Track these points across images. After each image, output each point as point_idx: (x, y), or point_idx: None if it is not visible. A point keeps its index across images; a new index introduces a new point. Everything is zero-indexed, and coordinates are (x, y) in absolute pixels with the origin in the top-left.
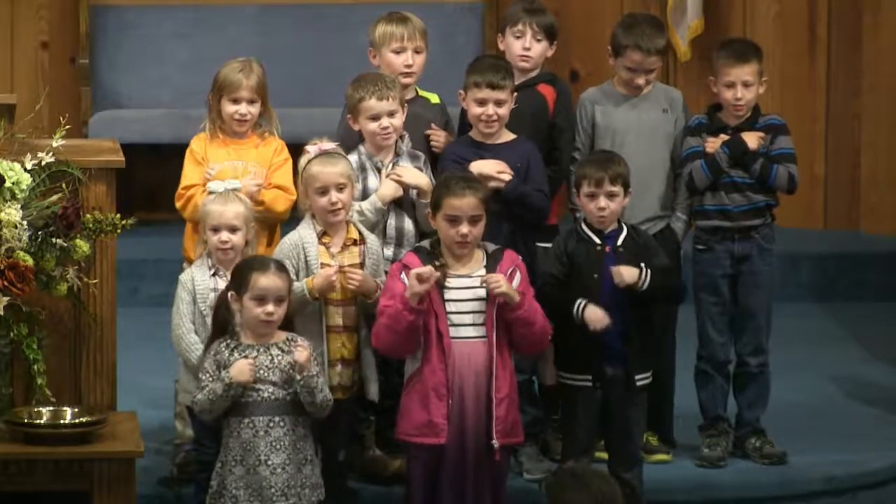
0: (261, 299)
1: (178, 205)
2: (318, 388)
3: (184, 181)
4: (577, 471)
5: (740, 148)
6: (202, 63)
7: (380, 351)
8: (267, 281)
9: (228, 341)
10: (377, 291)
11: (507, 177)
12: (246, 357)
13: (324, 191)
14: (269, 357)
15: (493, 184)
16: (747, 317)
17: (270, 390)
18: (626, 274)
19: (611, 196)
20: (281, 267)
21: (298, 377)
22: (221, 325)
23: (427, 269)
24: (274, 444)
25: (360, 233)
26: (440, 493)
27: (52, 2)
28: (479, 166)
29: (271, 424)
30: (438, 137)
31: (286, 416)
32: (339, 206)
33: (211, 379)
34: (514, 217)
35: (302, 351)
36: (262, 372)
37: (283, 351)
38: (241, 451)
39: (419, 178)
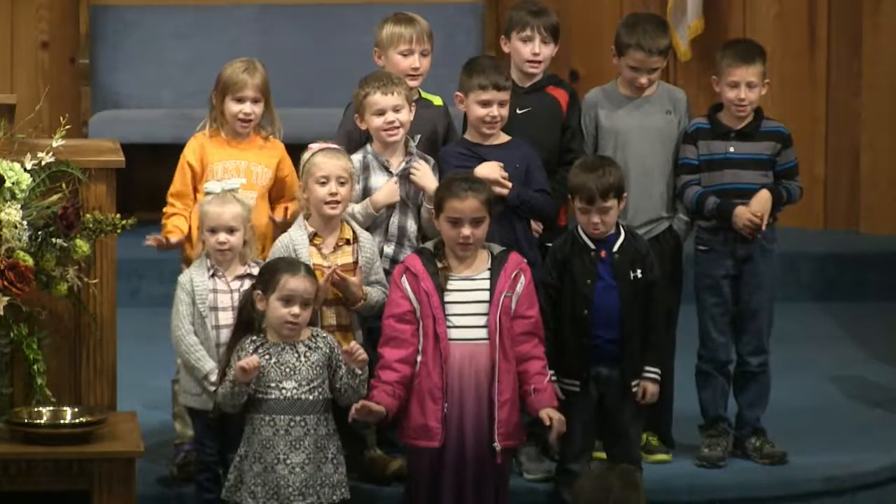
0: (288, 300)
1: (165, 213)
2: (365, 377)
3: (171, 191)
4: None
5: (726, 219)
6: (202, 63)
7: None
8: (296, 283)
9: (254, 338)
10: (361, 302)
11: (510, 183)
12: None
13: (325, 181)
14: (296, 355)
15: (497, 189)
16: (749, 317)
17: (294, 389)
18: None
19: (603, 211)
20: (310, 270)
21: (359, 371)
22: (245, 323)
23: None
24: (294, 443)
25: (353, 231)
26: (441, 495)
27: (52, 2)
28: (485, 170)
29: (292, 424)
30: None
31: (308, 415)
32: (338, 198)
33: (232, 373)
34: (521, 218)
35: (350, 352)
36: (285, 370)
37: (309, 348)
38: (261, 449)
39: (431, 182)
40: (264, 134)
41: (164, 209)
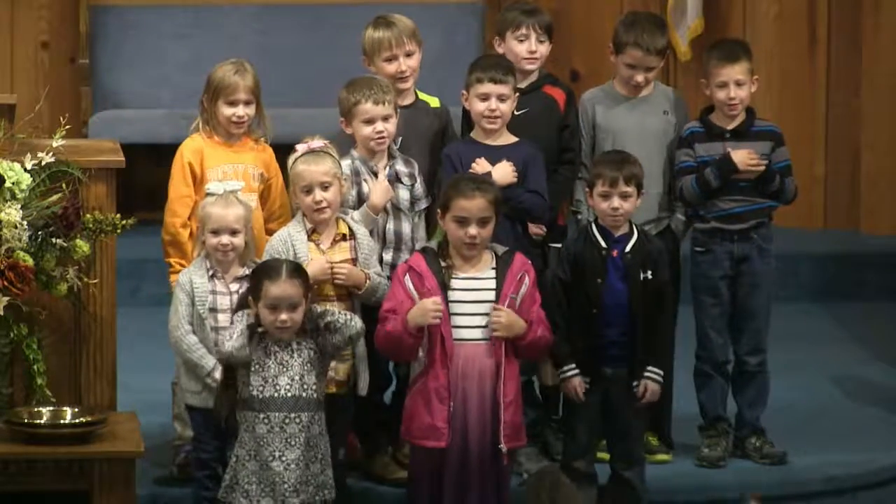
0: (274, 307)
1: (166, 235)
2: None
3: (172, 199)
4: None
5: (729, 168)
6: (202, 63)
7: (381, 353)
8: (277, 290)
9: (260, 328)
10: (367, 281)
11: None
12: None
13: (308, 189)
14: (290, 352)
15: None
16: (747, 317)
17: (287, 385)
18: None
19: (624, 196)
20: (294, 272)
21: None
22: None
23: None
24: (289, 440)
25: (349, 228)
26: (443, 494)
27: (52, 2)
28: (499, 173)
29: (287, 420)
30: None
31: (302, 412)
32: (324, 204)
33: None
34: (514, 220)
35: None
36: (281, 367)
37: (301, 345)
38: (256, 446)
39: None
40: (255, 136)
41: (166, 238)
